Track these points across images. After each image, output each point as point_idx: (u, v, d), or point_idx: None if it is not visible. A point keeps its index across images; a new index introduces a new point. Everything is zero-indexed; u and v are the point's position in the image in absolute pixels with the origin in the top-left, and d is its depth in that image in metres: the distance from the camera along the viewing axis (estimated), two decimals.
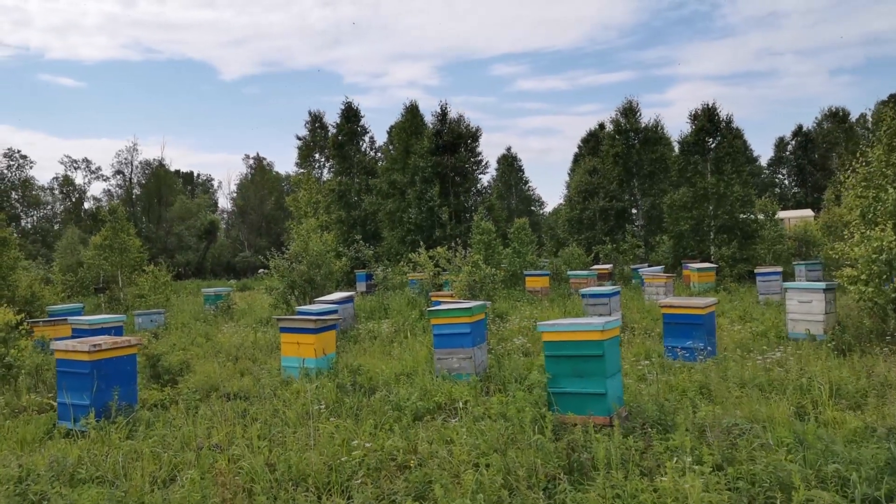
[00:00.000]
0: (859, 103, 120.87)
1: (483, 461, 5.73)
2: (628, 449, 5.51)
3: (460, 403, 7.67)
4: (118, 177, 61.05)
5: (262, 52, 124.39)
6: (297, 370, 10.25)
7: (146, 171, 60.25)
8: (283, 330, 10.84)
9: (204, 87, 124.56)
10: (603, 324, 6.78)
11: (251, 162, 73.47)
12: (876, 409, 6.60)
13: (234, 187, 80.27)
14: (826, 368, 8.36)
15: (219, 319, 19.84)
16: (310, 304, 17.54)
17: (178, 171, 73.18)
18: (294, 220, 38.80)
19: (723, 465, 5.30)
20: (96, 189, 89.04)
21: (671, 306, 10.68)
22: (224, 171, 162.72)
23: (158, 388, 9.83)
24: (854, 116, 57.35)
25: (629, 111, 34.71)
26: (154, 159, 61.20)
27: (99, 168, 64.95)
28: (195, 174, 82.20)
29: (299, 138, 45.49)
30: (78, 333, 13.04)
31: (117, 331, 13.48)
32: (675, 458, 5.18)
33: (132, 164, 59.15)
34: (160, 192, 57.43)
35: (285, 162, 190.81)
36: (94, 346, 8.21)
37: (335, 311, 13.98)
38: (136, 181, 59.66)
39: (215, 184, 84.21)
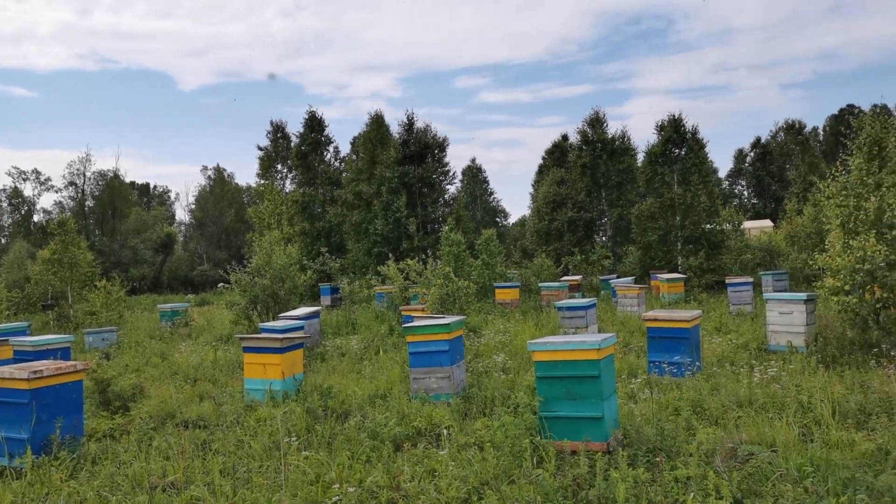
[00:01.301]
0: (810, 117, 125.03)
1: (475, 498, 5.16)
2: (638, 483, 5.00)
3: (443, 429, 7.08)
4: (70, 188, 58.80)
5: (221, 63, 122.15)
6: (262, 393, 9.50)
7: (100, 183, 58.16)
8: (247, 350, 10.08)
9: (161, 97, 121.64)
10: (599, 342, 6.28)
11: (210, 173, 71.77)
12: (886, 429, 6.24)
13: (192, 199, 78.25)
14: (822, 384, 8.02)
15: (176, 337, 18.83)
16: (273, 319, 16.74)
17: (133, 183, 71.04)
18: (256, 232, 37.74)
19: (741, 499, 4.83)
20: (47, 201, 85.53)
21: (656, 320, 10.28)
22: (182, 182, 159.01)
23: (108, 416, 8.96)
24: (807, 129, 58.96)
25: (596, 122, 34.75)
26: (108, 170, 59.16)
27: (49, 179, 62.58)
28: (151, 186, 79.97)
29: (261, 148, 44.37)
30: (20, 356, 12.01)
31: (64, 352, 12.50)
32: (692, 494, 4.68)
33: (85, 176, 57.02)
34: (114, 204, 55.46)
35: (246, 173, 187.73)
36: (34, 372, 7.36)
37: (301, 328, 13.28)
38: (89, 193, 57.54)
39: (172, 195, 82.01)
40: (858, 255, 10.49)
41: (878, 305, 10.72)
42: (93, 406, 9.30)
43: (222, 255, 56.89)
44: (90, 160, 58.33)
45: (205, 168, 75.95)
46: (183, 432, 7.86)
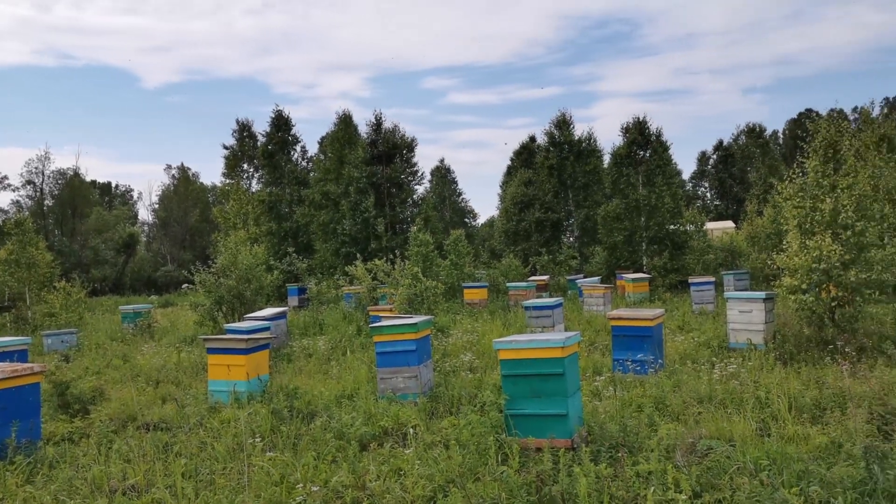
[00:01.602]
0: (770, 120, 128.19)
1: (440, 497, 5.18)
2: (600, 478, 5.08)
3: (409, 428, 7.09)
4: (28, 187, 57.11)
5: (186, 60, 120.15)
6: (226, 395, 9.39)
7: (59, 182, 56.66)
8: (211, 351, 9.95)
9: (124, 94, 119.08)
10: (564, 340, 6.36)
11: (174, 172, 70.49)
12: (839, 424, 6.44)
13: (155, 198, 76.71)
14: (780, 380, 8.24)
15: (138, 339, 18.46)
16: (239, 320, 16.53)
17: (94, 182, 69.34)
18: (221, 232, 37.19)
19: (700, 492, 4.94)
20: (3, 200, 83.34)
21: (620, 318, 10.45)
22: (145, 181, 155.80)
23: (67, 420, 8.75)
24: (768, 133, 60.47)
25: (562, 124, 35.10)
26: (68, 169, 57.70)
27: (6, 178, 60.67)
28: (113, 185, 78.22)
29: (226, 147, 43.70)
30: None
31: (21, 355, 12.18)
32: (652, 488, 4.78)
33: (44, 174, 55.49)
34: (75, 203, 54.09)
35: (211, 172, 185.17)
36: None
37: (267, 329, 13.14)
38: (48, 192, 56.01)
39: (135, 195, 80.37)
40: (814, 254, 10.78)
41: (833, 304, 11.04)
42: (51, 409, 9.08)
43: (187, 256, 55.94)
44: (49, 158, 56.93)
45: (169, 167, 74.24)
46: (144, 435, 7.72)
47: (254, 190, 41.84)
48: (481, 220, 61.01)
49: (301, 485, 5.55)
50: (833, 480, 4.90)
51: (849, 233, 10.86)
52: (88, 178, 63.77)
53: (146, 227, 72.25)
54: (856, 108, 37.39)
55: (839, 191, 11.30)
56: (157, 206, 68.40)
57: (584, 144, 34.95)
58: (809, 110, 58.51)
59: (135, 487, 5.89)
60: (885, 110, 50.00)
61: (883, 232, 17.16)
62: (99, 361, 14.25)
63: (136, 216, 74.45)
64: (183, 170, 69.92)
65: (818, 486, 4.76)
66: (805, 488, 4.73)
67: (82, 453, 7.12)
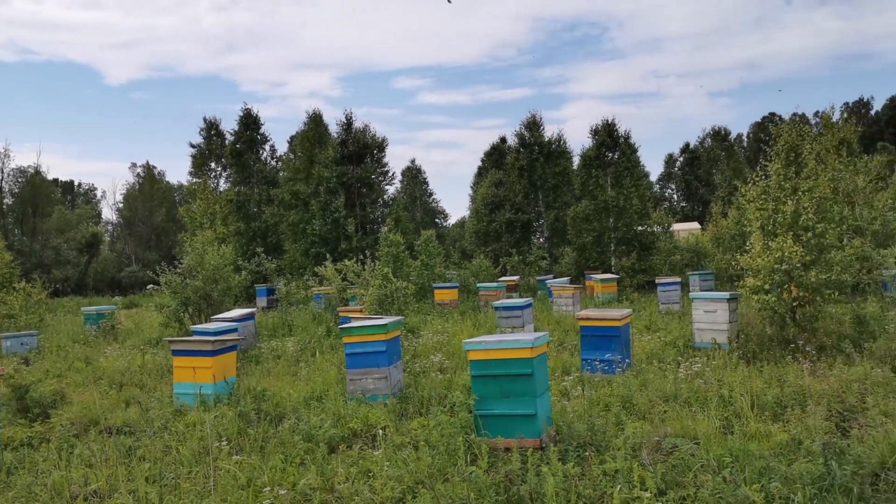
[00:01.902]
0: (735, 124, 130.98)
1: (409, 498, 5.17)
2: (568, 477, 5.13)
3: (379, 430, 7.07)
4: None
5: (151, 56, 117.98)
6: (192, 397, 9.24)
7: (19, 180, 55.09)
8: (177, 353, 9.78)
9: (87, 91, 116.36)
10: (533, 340, 6.41)
11: (139, 170, 69.10)
12: (799, 421, 6.60)
13: (119, 197, 75.10)
14: (743, 378, 8.42)
15: (101, 341, 18.05)
16: (206, 322, 16.28)
17: (56, 180, 67.60)
18: (188, 232, 36.58)
19: (665, 489, 5.02)
20: None
21: (588, 319, 10.56)
22: (109, 180, 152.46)
23: (26, 424, 8.52)
24: (733, 136, 61.73)
25: (533, 125, 35.33)
26: (29, 166, 56.06)
27: None
28: (76, 183, 76.27)
29: (193, 146, 42.99)
30: None
31: None
32: (619, 486, 4.84)
33: (3, 172, 53.93)
34: (35, 202, 52.60)
35: (178, 171, 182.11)
36: None
37: (235, 330, 12.96)
38: (7, 190, 54.43)
39: (98, 193, 78.52)
40: (777, 255, 11.04)
41: (794, 304, 11.32)
42: (9, 414, 8.83)
43: (152, 256, 54.88)
44: (8, 156, 55.26)
45: (133, 165, 72.68)
46: (107, 439, 7.56)
47: (221, 189, 41.24)
48: (452, 221, 61.10)
49: (268, 488, 5.49)
50: (793, 476, 5.02)
51: (809, 234, 11.15)
52: (50, 177, 62.12)
53: (110, 227, 70.67)
54: (817, 112, 38.47)
55: (800, 193, 11.60)
56: (121, 205, 66.93)
57: (553, 146, 35.23)
58: (773, 114, 59.86)
59: (97, 493, 5.77)
60: (845, 115, 51.46)
61: (842, 234, 17.70)
62: (60, 364, 13.91)
63: (99, 215, 72.77)
64: (148, 168, 68.63)
65: (779, 482, 4.88)
66: (766, 484, 4.84)
67: (42, 459, 6.94)
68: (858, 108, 68.52)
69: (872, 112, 67.92)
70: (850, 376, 8.08)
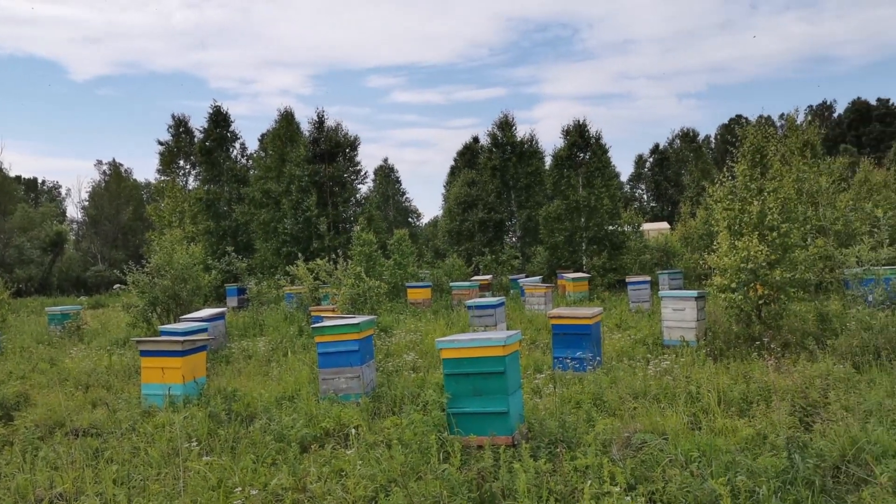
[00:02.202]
0: (703, 125, 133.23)
1: (382, 496, 5.18)
2: (539, 474, 5.18)
3: (351, 429, 7.05)
4: None
5: (118, 52, 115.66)
6: (160, 398, 9.10)
7: None
8: (144, 354, 9.62)
9: (52, 87, 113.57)
10: (505, 338, 6.45)
11: (105, 168, 67.69)
12: (764, 416, 6.76)
13: (85, 195, 73.58)
14: (709, 375, 8.58)
15: (66, 342, 17.66)
16: (175, 322, 16.04)
17: (19, 178, 65.95)
18: (156, 230, 35.97)
19: (634, 484, 5.11)
20: None
21: (559, 317, 10.65)
22: (74, 177, 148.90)
23: None
24: (701, 137, 62.84)
25: (505, 125, 35.50)
26: None
27: None
28: (40, 181, 74.56)
29: (161, 143, 42.30)
30: None
31: None
32: (589, 482, 4.90)
33: None
34: None
35: (145, 169, 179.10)
36: None
37: (205, 330, 12.81)
38: None
39: (63, 191, 76.81)
40: (743, 255, 11.27)
41: (760, 302, 11.57)
42: None
43: (119, 255, 53.80)
44: None
45: (99, 162, 71.04)
46: (73, 441, 7.41)
47: (190, 187, 40.66)
48: (425, 220, 61.12)
49: (239, 488, 5.44)
50: (758, 470, 5.14)
51: (774, 234, 11.40)
52: (13, 174, 60.57)
53: (75, 225, 69.13)
54: (782, 114, 39.39)
55: (766, 194, 11.85)
56: (87, 203, 65.48)
57: (526, 146, 35.45)
58: (739, 116, 61.12)
59: (63, 496, 5.65)
60: (809, 118, 52.75)
61: (806, 233, 18.13)
62: (24, 365, 13.57)
63: (64, 213, 71.18)
64: (115, 166, 67.26)
65: (744, 476, 4.99)
66: (732, 478, 4.95)
67: (5, 462, 6.78)
68: (822, 111, 70.25)
69: (835, 115, 69.71)
70: (813, 372, 8.29)
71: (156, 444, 6.92)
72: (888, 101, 65.33)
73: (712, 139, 71.48)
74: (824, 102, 72.29)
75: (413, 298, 22.24)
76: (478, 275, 30.00)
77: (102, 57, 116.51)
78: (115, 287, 22.88)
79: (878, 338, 9.40)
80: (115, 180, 63.70)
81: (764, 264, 11.19)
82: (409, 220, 57.24)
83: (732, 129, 53.80)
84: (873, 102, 65.53)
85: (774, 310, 11.62)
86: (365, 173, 33.52)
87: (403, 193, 57.81)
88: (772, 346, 10.40)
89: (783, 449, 5.33)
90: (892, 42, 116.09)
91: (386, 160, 60.83)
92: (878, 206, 19.17)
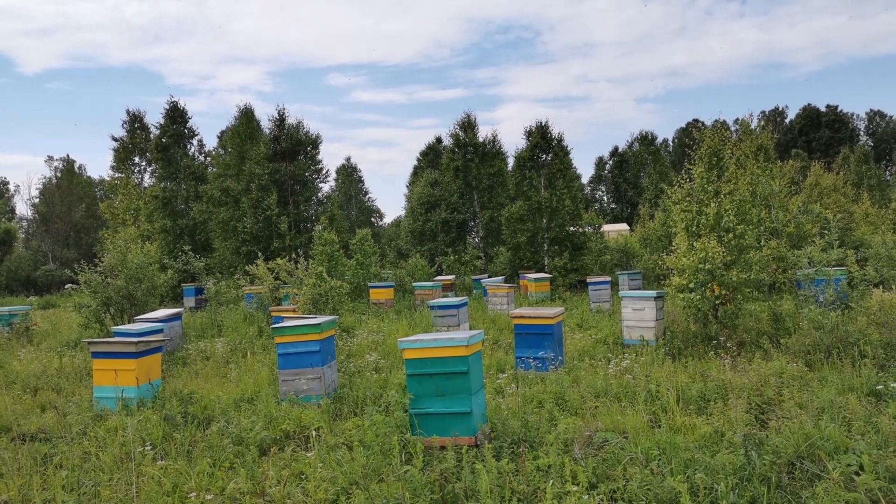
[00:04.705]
0: (661, 128, 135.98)
1: (343, 499, 5.09)
2: (502, 474, 5.17)
3: (312, 431, 6.94)
4: None
5: (70, 45, 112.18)
6: (113, 401, 8.81)
7: None
8: (97, 355, 9.30)
9: None
10: (468, 338, 6.43)
11: (57, 164, 65.60)
12: (721, 414, 6.88)
13: (35, 192, 71.12)
14: (668, 374, 8.72)
15: (14, 343, 17.01)
16: (129, 322, 15.60)
17: None
18: (109, 229, 34.99)
19: (596, 483, 5.13)
20: None
21: (522, 317, 10.69)
22: (23, 173, 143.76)
23: None
24: (659, 140, 64.16)
25: (468, 126, 35.58)
26: None
27: None
28: None
29: (115, 139, 41.16)
30: None
31: None
32: (551, 481, 4.91)
33: None
34: None
35: (99, 165, 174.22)
36: None
37: (160, 331, 12.48)
38: None
39: (12, 188, 74.08)
40: (700, 255, 11.50)
41: (717, 302, 11.83)
42: None
43: (71, 254, 52.24)
44: None
45: (50, 158, 69.09)
46: (20, 446, 7.11)
47: (146, 185, 39.68)
48: (388, 220, 60.89)
49: (195, 493, 5.29)
50: (716, 467, 5.22)
51: (730, 235, 11.67)
52: None
53: (25, 223, 66.88)
54: (737, 119, 40.48)
55: (722, 196, 12.12)
56: (37, 200, 63.39)
57: (488, 147, 35.59)
58: (696, 120, 62.52)
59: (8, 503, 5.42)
60: (762, 123, 54.28)
61: (760, 235, 18.60)
62: None
63: (13, 211, 68.71)
64: (68, 162, 65.24)
65: (703, 473, 5.06)
66: (691, 475, 5.02)
67: None
68: (774, 117, 72.43)
69: (787, 120, 71.91)
70: (768, 371, 8.49)
71: (108, 448, 6.69)
72: (837, 107, 67.67)
73: (670, 142, 73.11)
74: (777, 108, 74.60)
75: (375, 298, 22.10)
76: (441, 275, 30.00)
77: (53, 50, 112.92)
78: (66, 287, 22.12)
79: (830, 337, 9.67)
80: (68, 177, 61.81)
81: (721, 265, 11.43)
82: (372, 219, 56.96)
83: (690, 133, 55.11)
84: (823, 109, 67.80)
85: (730, 309, 11.89)
86: (327, 172, 33.21)
87: (366, 193, 57.55)
88: (728, 344, 10.63)
89: (740, 446, 5.42)
90: (841, 51, 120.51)
91: (348, 159, 60.52)
92: (827, 208, 19.78)
